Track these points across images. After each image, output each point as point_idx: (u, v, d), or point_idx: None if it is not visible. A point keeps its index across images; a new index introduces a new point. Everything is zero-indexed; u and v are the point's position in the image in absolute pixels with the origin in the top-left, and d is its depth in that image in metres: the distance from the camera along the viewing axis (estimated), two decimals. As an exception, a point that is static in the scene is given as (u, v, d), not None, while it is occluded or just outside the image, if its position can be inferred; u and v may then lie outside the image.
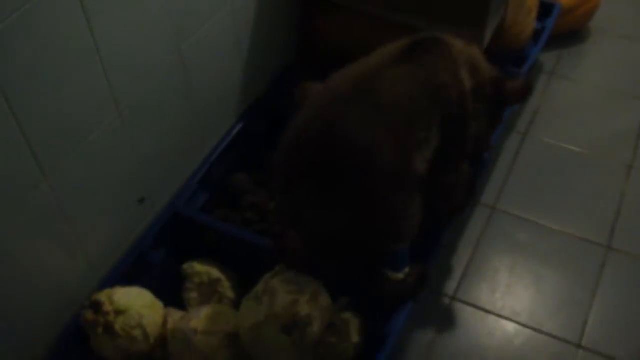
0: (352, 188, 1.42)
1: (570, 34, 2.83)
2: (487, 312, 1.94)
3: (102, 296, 1.57)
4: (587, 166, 2.34)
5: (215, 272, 1.80)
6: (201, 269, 1.80)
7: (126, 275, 1.71)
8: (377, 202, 1.45)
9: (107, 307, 1.55)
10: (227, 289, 1.79)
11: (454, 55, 1.60)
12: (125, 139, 1.60)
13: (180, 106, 1.78)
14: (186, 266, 1.81)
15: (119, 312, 1.55)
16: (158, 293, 1.70)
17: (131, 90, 1.56)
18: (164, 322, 1.64)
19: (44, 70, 1.29)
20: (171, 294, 1.78)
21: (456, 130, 1.63)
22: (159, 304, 1.66)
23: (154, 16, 1.55)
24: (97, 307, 1.55)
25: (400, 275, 1.65)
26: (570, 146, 2.40)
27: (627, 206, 2.20)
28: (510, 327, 1.91)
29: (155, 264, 1.79)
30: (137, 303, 1.59)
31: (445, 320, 1.93)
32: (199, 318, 1.58)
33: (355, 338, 1.62)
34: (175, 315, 1.69)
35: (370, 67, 1.54)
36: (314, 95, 1.57)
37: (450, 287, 2.00)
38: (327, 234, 1.49)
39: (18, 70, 1.23)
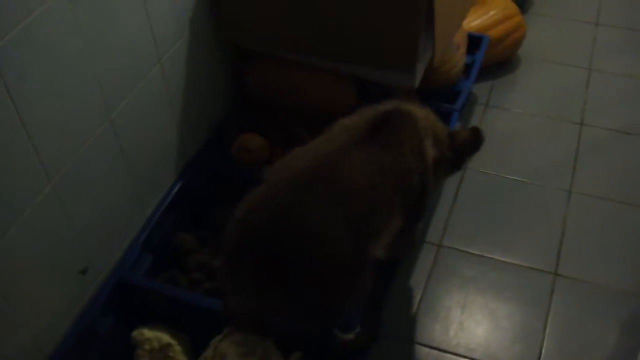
0: (297, 276, 1.39)
1: (500, 64, 2.89)
2: (442, 351, 1.94)
3: (49, 376, 1.53)
4: (527, 194, 2.38)
5: (165, 337, 1.77)
6: (151, 335, 1.77)
7: (74, 349, 1.67)
8: (328, 290, 1.43)
9: (55, 388, 1.50)
10: (178, 354, 1.76)
11: (418, 129, 1.58)
12: (60, 211, 1.56)
13: (115, 171, 1.75)
14: (136, 333, 1.78)
15: (67, 391, 1.51)
16: (109, 363, 1.66)
17: (62, 162, 1.52)
18: (116, 396, 1.60)
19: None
20: (122, 362, 1.75)
21: (418, 206, 1.64)
22: (109, 378, 1.62)
23: (80, 89, 1.54)
24: (44, 388, 1.51)
25: (351, 335, 1.64)
26: (510, 175, 2.44)
27: (570, 231, 2.24)
28: (466, 364, 1.92)
29: (103, 333, 1.74)
30: (85, 380, 1.55)
31: (402, 363, 1.92)
32: (150, 389, 1.55)
33: (311, 394, 1.60)
34: (127, 385, 1.66)
35: (332, 149, 1.50)
36: (273, 173, 1.51)
37: (404, 329, 1.99)
38: (272, 311, 1.48)
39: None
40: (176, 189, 2.03)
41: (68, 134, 1.53)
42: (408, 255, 2.06)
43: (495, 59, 2.80)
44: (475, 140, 1.77)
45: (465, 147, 1.76)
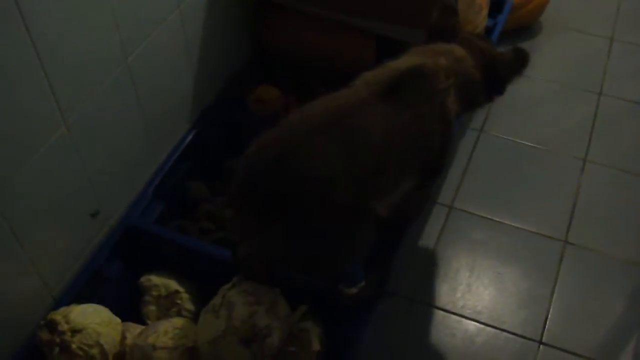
0: (297, 217, 1.38)
1: (522, 30, 2.85)
2: (448, 312, 1.95)
3: (58, 315, 1.54)
4: (542, 161, 2.37)
5: (173, 284, 1.77)
6: (159, 282, 1.77)
7: (82, 292, 1.67)
8: (326, 235, 1.42)
9: (63, 327, 1.51)
10: (185, 301, 1.76)
11: (441, 86, 1.54)
12: (75, 153, 1.56)
13: (130, 117, 1.75)
14: (143, 279, 1.78)
15: (75, 331, 1.52)
16: (116, 307, 1.67)
17: (78, 104, 1.52)
18: (122, 339, 1.61)
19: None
20: (129, 308, 1.76)
21: (435, 165, 1.62)
22: (116, 320, 1.63)
23: (99, 30, 1.52)
24: (52, 326, 1.52)
25: (354, 290, 1.64)
26: (525, 141, 2.42)
27: (583, 199, 2.23)
28: (471, 326, 1.92)
29: (111, 278, 1.75)
30: (93, 321, 1.56)
31: (407, 322, 1.93)
32: (157, 333, 1.56)
33: (315, 346, 1.60)
34: (134, 329, 1.66)
35: (351, 101, 1.47)
36: (289, 118, 1.48)
37: (410, 288, 2.00)
38: (278, 257, 1.48)
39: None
40: (190, 137, 2.03)
41: (84, 76, 1.52)
42: (420, 214, 2.05)
43: (517, 23, 2.76)
44: (518, 61, 1.73)
45: (507, 69, 1.71)
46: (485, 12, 2.38)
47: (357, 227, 1.45)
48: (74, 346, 1.50)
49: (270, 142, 1.44)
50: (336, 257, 1.51)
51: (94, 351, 1.52)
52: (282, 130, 1.45)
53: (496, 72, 1.69)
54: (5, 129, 1.33)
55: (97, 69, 1.56)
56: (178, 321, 1.63)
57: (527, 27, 2.87)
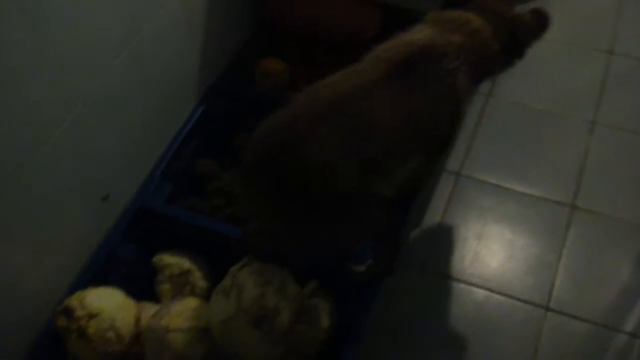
0: (303, 201, 1.41)
1: (529, -14, 2.81)
2: (457, 280, 1.98)
3: (74, 301, 1.59)
4: (550, 124, 2.36)
5: (185, 263, 1.81)
6: (171, 261, 1.82)
7: (97, 274, 1.72)
8: (333, 219, 1.45)
9: (79, 312, 1.56)
10: (198, 279, 1.81)
11: (450, 66, 1.52)
12: (84, 138, 1.59)
13: (137, 98, 1.77)
14: (156, 259, 1.82)
15: (91, 316, 1.57)
16: (130, 288, 1.72)
17: (85, 89, 1.55)
18: (137, 320, 1.66)
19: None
20: (144, 287, 1.80)
21: (443, 142, 1.61)
22: (130, 303, 1.67)
23: (103, 12, 1.54)
24: (69, 313, 1.57)
25: (362, 267, 1.67)
26: (533, 104, 2.41)
27: (591, 163, 2.23)
28: (480, 294, 1.95)
29: (125, 259, 1.80)
30: (108, 305, 1.61)
31: (416, 292, 1.96)
32: (170, 315, 1.60)
33: (325, 322, 1.64)
34: (149, 309, 1.71)
35: (359, 83, 1.46)
36: (294, 103, 1.49)
37: (419, 257, 2.03)
38: (286, 237, 1.50)
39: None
40: (197, 114, 2.05)
41: (91, 59, 1.54)
42: (425, 189, 2.06)
43: (524, -19, 2.72)
44: (538, 24, 1.71)
45: (527, 33, 1.70)
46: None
47: (363, 210, 1.47)
48: (90, 331, 1.55)
49: (276, 127, 1.45)
50: (344, 239, 1.54)
51: (110, 335, 1.57)
52: (287, 115, 1.46)
53: (515, 37, 1.66)
54: (15, 118, 1.36)
55: (103, 53, 1.58)
56: (191, 302, 1.67)
57: (535, -16, 2.83)
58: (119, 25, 1.61)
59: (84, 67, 1.52)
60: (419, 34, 1.56)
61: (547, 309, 1.91)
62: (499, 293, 1.95)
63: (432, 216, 2.11)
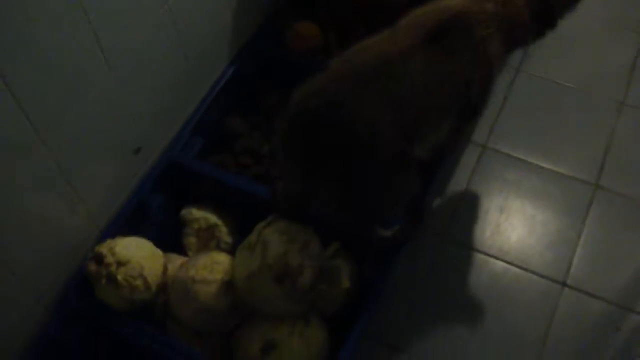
0: (340, 165, 1.45)
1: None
2: (476, 250, 2.01)
3: (104, 248, 1.63)
4: (578, 102, 2.36)
5: (212, 218, 1.86)
6: (199, 215, 1.86)
7: (126, 223, 1.77)
8: (373, 185, 1.49)
9: (109, 259, 1.61)
10: (224, 234, 1.85)
11: (483, 33, 1.54)
12: (118, 93, 1.62)
13: (170, 55, 1.79)
14: (184, 212, 1.87)
15: (120, 264, 1.61)
16: (158, 239, 1.76)
17: (120, 45, 1.57)
18: (164, 270, 1.70)
19: (32, 30, 1.30)
20: (171, 239, 1.85)
21: (476, 107, 1.64)
22: (158, 253, 1.72)
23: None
24: (99, 259, 1.61)
25: (388, 232, 1.70)
26: (563, 81, 2.41)
27: (617, 143, 2.23)
28: (498, 265, 1.98)
29: (153, 210, 1.83)
30: (137, 254, 1.65)
31: (435, 259, 2.00)
32: (196, 267, 1.65)
33: (346, 283, 1.68)
34: (176, 260, 1.76)
35: (395, 49, 1.49)
36: (337, 63, 1.52)
37: (440, 226, 2.06)
38: (319, 200, 1.54)
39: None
40: (229, 73, 2.07)
41: (127, 18, 1.57)
42: (455, 153, 2.08)
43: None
44: None
45: (560, 4, 1.69)
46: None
47: (402, 176, 1.51)
48: (119, 277, 1.60)
49: (315, 91, 1.48)
50: (382, 205, 1.57)
51: (138, 282, 1.62)
52: (328, 80, 1.49)
53: (548, 6, 1.67)
54: (53, 71, 1.39)
55: (139, 9, 1.60)
56: (217, 256, 1.71)
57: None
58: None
59: (119, 24, 1.54)
60: (453, 0, 1.58)
61: (564, 284, 1.94)
62: (517, 266, 1.98)
63: (456, 186, 2.14)
